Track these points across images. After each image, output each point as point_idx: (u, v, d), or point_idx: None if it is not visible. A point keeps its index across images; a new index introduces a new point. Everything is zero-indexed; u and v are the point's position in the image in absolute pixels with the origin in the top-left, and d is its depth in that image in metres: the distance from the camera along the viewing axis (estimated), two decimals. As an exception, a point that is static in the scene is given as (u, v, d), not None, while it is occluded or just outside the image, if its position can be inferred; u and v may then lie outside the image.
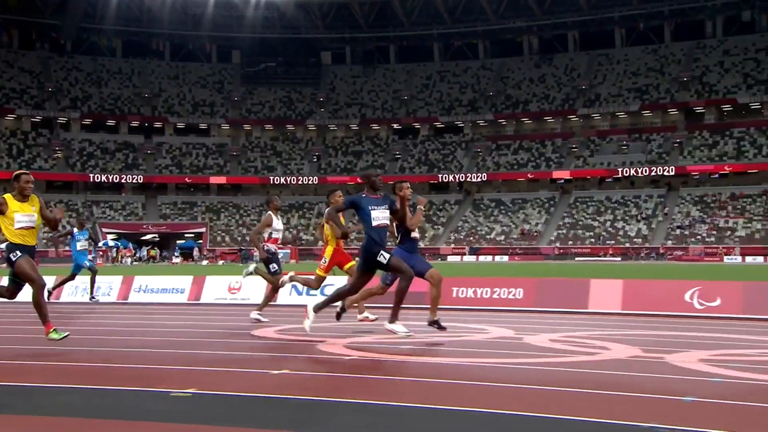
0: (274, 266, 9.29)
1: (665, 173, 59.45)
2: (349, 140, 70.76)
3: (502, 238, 59.08)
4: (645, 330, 8.54)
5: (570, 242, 56.80)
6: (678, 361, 5.87)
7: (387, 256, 6.93)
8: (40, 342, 6.69)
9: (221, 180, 64.61)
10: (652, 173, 59.77)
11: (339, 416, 3.90)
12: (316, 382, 5.18)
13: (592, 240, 56.33)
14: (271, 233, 9.33)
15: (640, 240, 55.22)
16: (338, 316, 7.76)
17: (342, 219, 8.38)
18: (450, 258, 53.78)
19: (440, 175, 65.71)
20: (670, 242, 54.04)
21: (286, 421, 3.82)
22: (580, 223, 58.98)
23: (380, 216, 6.98)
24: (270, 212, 9.40)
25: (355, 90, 73.10)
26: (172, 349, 7.06)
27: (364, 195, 7.10)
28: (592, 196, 62.02)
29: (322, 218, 8.73)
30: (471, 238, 59.62)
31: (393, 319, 7.15)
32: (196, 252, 54.71)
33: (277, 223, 9.37)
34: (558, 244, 56.76)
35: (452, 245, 58.48)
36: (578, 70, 69.39)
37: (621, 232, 56.57)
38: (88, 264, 12.96)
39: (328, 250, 8.59)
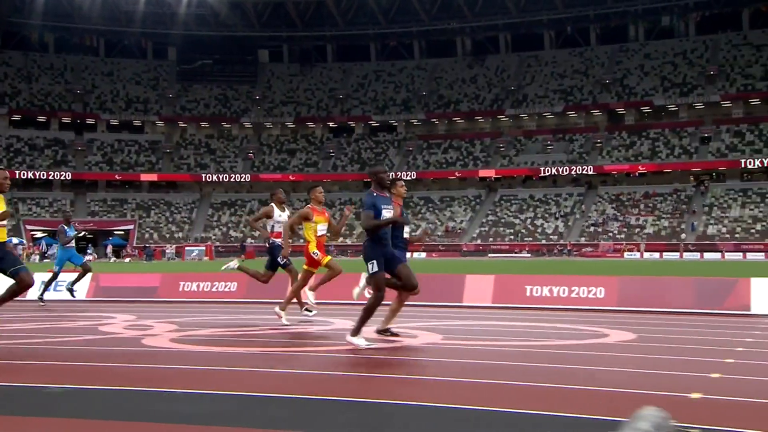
0: (281, 259, 9.07)
1: (585, 172, 61.63)
2: (284, 138, 71.60)
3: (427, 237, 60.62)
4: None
5: (491, 239, 58.60)
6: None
7: (376, 268, 6.62)
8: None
9: (152, 177, 64.95)
10: (573, 172, 61.90)
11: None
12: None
13: (512, 237, 58.22)
14: (273, 226, 9.18)
15: (556, 237, 57.28)
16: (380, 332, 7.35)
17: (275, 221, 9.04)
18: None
19: (371, 173, 66.90)
20: (583, 239, 56.17)
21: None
22: (503, 220, 60.84)
23: (387, 216, 6.70)
24: (272, 204, 9.35)
25: (291, 88, 73.90)
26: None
27: (375, 194, 6.77)
28: (516, 195, 63.96)
29: (295, 215, 8.78)
30: (397, 235, 60.98)
31: (354, 332, 6.72)
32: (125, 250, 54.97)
33: (281, 216, 9.22)
34: (479, 241, 58.53)
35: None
36: (508, 71, 71.26)
37: (539, 230, 58.55)
38: (80, 261, 12.49)
39: (311, 247, 8.48)
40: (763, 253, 47.98)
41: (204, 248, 47.98)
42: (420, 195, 66.62)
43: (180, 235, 60.74)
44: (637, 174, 61.59)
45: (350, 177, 67.99)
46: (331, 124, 72.32)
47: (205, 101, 71.67)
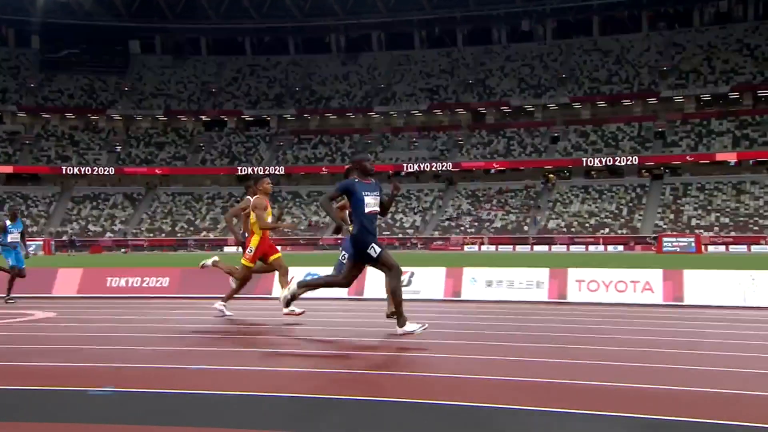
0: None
1: (445, 169, 64.14)
2: (154, 131, 70.71)
3: (288, 229, 61.50)
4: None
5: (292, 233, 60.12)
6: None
7: (378, 249, 6.56)
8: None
9: (8, 169, 62.84)
10: (434, 169, 64.29)
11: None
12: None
13: (371, 231, 59.95)
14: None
15: (412, 231, 59.44)
16: (392, 316, 7.35)
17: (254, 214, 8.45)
18: (226, 249, 55.44)
19: (240, 168, 67.16)
20: (437, 233, 58.56)
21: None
22: (365, 215, 62.48)
23: (372, 203, 6.63)
24: (248, 197, 9.00)
25: (163, 80, 72.98)
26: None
27: (356, 180, 6.70)
28: (381, 190, 65.73)
29: (237, 207, 8.80)
30: (261, 229, 61.63)
31: (401, 322, 6.59)
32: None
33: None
34: (339, 235, 59.84)
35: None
36: (380, 69, 72.98)
37: (398, 224, 60.56)
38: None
39: (254, 240, 8.33)
40: (596, 246, 51.60)
41: (42, 242, 46.97)
42: (289, 189, 67.42)
43: (35, 229, 59.10)
44: (494, 171, 64.66)
45: (220, 171, 68.03)
46: (203, 117, 71.97)
47: (70, 92, 69.77)
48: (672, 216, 54.11)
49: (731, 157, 56.02)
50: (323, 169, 66.71)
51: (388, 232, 59.60)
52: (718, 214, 52.84)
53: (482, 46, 72.07)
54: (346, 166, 7.76)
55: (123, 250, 53.60)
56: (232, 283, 8.78)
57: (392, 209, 61.79)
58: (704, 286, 10.86)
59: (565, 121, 64.92)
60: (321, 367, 5.79)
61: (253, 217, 8.45)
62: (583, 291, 11.33)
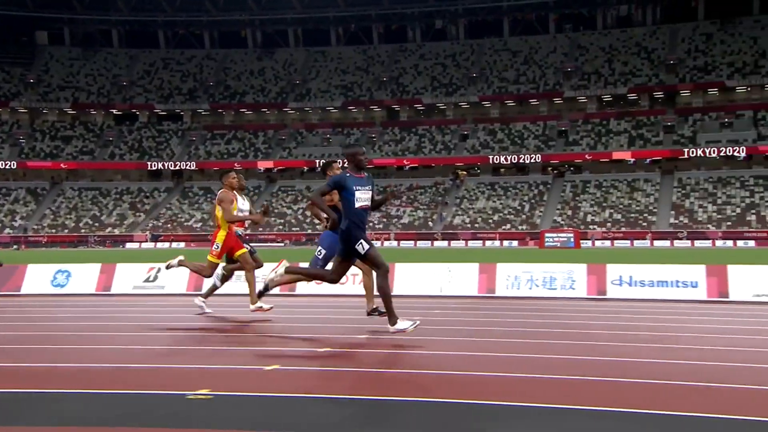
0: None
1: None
2: (60, 125, 68.80)
3: (200, 225, 61.00)
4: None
5: (260, 228, 59.99)
6: None
7: (366, 246, 6.29)
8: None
9: None
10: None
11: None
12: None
13: (281, 227, 60.02)
14: (236, 214, 8.45)
15: (322, 227, 59.72)
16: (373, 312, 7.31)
17: (231, 206, 8.08)
18: (129, 245, 54.64)
19: (150, 163, 66.09)
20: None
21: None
22: (276, 210, 62.44)
23: (363, 197, 6.35)
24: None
25: (71, 72, 71.03)
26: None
27: (348, 174, 6.40)
28: (294, 186, 65.89)
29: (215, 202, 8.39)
30: (168, 225, 60.89)
31: (392, 320, 6.39)
32: None
33: (243, 203, 8.54)
34: (250, 231, 59.71)
35: (147, 232, 59.38)
36: (296, 65, 72.94)
37: (308, 220, 60.78)
38: None
39: (220, 235, 8.11)
40: (497, 241, 53.07)
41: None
42: (201, 185, 66.79)
43: (-73, 225, 56.86)
44: (407, 167, 65.58)
45: (130, 166, 66.79)
46: (114, 111, 70.42)
47: (-30, 83, 67.21)
48: (570, 212, 56.14)
49: (627, 156, 58.45)
50: (236, 164, 66.18)
51: (297, 228, 59.84)
52: (612, 211, 55.12)
53: (397, 44, 72.92)
54: (324, 161, 7.85)
55: (15, 246, 52.03)
56: (217, 281, 8.48)
57: (303, 205, 62.24)
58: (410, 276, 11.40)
59: (475, 119, 66.41)
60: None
61: (219, 211, 8.15)
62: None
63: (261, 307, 8.01)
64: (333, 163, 7.35)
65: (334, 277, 6.63)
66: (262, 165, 65.97)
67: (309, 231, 59.28)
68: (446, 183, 63.45)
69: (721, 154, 55.26)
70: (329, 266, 6.94)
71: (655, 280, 10.54)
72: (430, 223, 58.04)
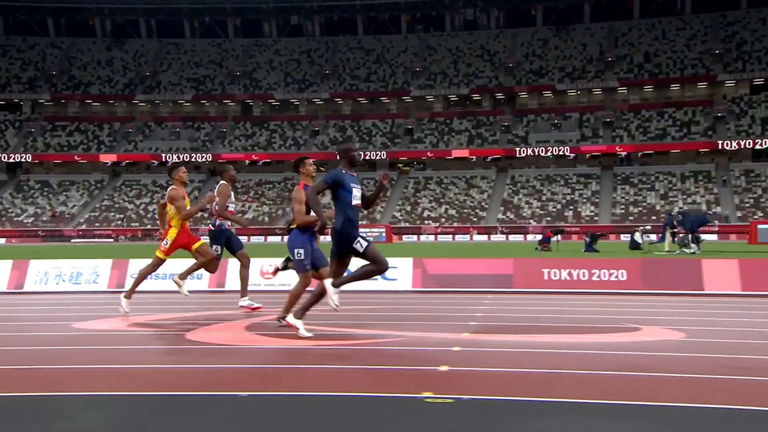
0: (216, 248, 8.27)
1: (205, 160, 63.69)
2: None
3: (32, 220, 58.19)
4: None
5: (97, 224, 58.01)
6: None
7: (364, 244, 5.98)
8: None
9: None
10: (193, 160, 63.60)
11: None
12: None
13: (119, 222, 58.22)
14: (227, 207, 8.39)
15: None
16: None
17: (185, 203, 7.84)
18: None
19: (-20, 155, 62.38)
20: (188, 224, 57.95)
21: None
22: (117, 205, 60.55)
23: (358, 195, 6.13)
24: (224, 182, 8.43)
25: None
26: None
27: (344, 171, 6.11)
28: (140, 180, 64.06)
29: (164, 198, 8.07)
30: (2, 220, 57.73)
31: (299, 313, 6.29)
32: None
33: (232, 196, 8.56)
34: (85, 226, 57.63)
35: (-30, 228, 56.02)
36: (147, 56, 70.89)
37: (149, 215, 59.32)
38: None
39: (171, 233, 7.98)
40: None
41: None
42: (38, 178, 63.80)
43: None
44: (260, 163, 65.21)
45: (-43, 158, 62.72)
46: (-57, 99, 65.91)
47: None
48: (409, 208, 57.72)
49: (465, 154, 60.75)
50: (76, 157, 63.70)
51: (136, 224, 58.25)
52: (448, 206, 57.15)
53: (253, 39, 72.38)
54: (296, 156, 7.40)
55: None
56: (182, 283, 8.21)
57: (146, 200, 60.61)
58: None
59: (326, 116, 66.97)
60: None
61: (171, 210, 7.99)
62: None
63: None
64: (306, 159, 7.10)
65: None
66: (106, 158, 63.72)
67: (149, 226, 57.83)
68: (295, 179, 63.50)
69: (549, 153, 58.50)
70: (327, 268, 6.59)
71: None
72: (269, 219, 58.05)
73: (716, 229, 46.23)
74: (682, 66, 60.38)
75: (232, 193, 8.50)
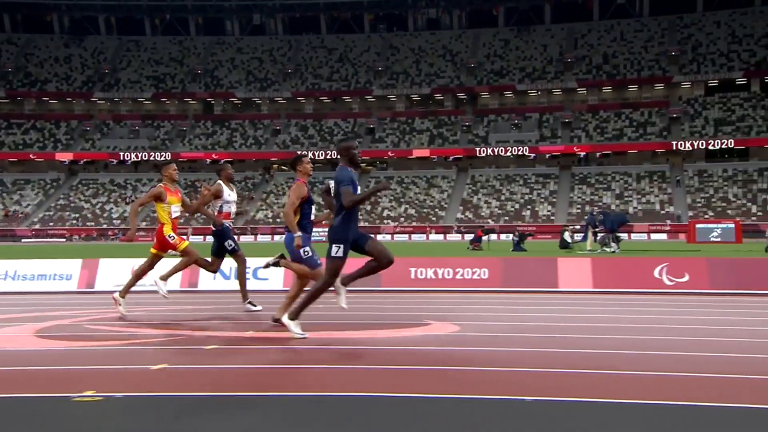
0: (230, 243, 8.09)
1: (164, 159, 62.84)
2: None
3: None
4: None
5: (51, 224, 57.02)
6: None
7: (341, 254, 5.79)
8: None
9: None
10: (152, 158, 62.83)
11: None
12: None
13: (74, 222, 57.29)
14: (222, 206, 8.14)
15: (119, 221, 57.66)
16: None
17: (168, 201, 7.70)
18: None
19: (-69, 153, 60.94)
20: (144, 224, 57.28)
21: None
22: (73, 205, 59.59)
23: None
24: (220, 182, 8.24)
25: None
26: None
27: (349, 170, 5.89)
28: (98, 179, 63.12)
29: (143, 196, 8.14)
30: (-52, 220, 56.43)
31: (293, 315, 6.11)
32: None
33: (230, 194, 8.26)
34: (39, 226, 56.59)
35: None
36: (106, 53, 69.90)
37: (106, 214, 58.49)
38: None
39: (167, 229, 7.80)
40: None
41: None
42: (-8, 177, 62.48)
43: None
44: (221, 162, 64.53)
45: None
46: None
47: None
48: (369, 207, 57.62)
49: (426, 153, 60.85)
50: (31, 155, 62.57)
51: (92, 223, 57.37)
52: (408, 206, 57.20)
53: (215, 37, 71.77)
54: (294, 155, 7.10)
55: None
56: (160, 283, 8.02)
57: (103, 198, 59.74)
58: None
59: (288, 115, 66.63)
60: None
61: (160, 208, 7.92)
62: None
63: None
64: (303, 157, 6.95)
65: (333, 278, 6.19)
66: (62, 157, 62.65)
67: (104, 226, 56.98)
68: (255, 178, 63.19)
69: (509, 153, 58.86)
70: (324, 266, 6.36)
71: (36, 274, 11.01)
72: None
73: (668, 228, 46.93)
74: (639, 67, 61.20)
75: (233, 191, 8.42)
